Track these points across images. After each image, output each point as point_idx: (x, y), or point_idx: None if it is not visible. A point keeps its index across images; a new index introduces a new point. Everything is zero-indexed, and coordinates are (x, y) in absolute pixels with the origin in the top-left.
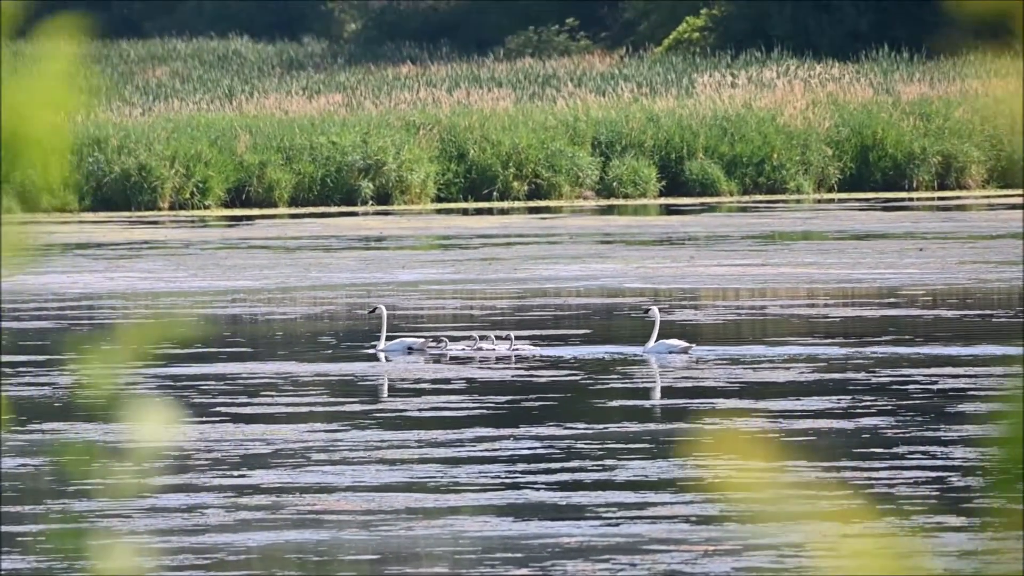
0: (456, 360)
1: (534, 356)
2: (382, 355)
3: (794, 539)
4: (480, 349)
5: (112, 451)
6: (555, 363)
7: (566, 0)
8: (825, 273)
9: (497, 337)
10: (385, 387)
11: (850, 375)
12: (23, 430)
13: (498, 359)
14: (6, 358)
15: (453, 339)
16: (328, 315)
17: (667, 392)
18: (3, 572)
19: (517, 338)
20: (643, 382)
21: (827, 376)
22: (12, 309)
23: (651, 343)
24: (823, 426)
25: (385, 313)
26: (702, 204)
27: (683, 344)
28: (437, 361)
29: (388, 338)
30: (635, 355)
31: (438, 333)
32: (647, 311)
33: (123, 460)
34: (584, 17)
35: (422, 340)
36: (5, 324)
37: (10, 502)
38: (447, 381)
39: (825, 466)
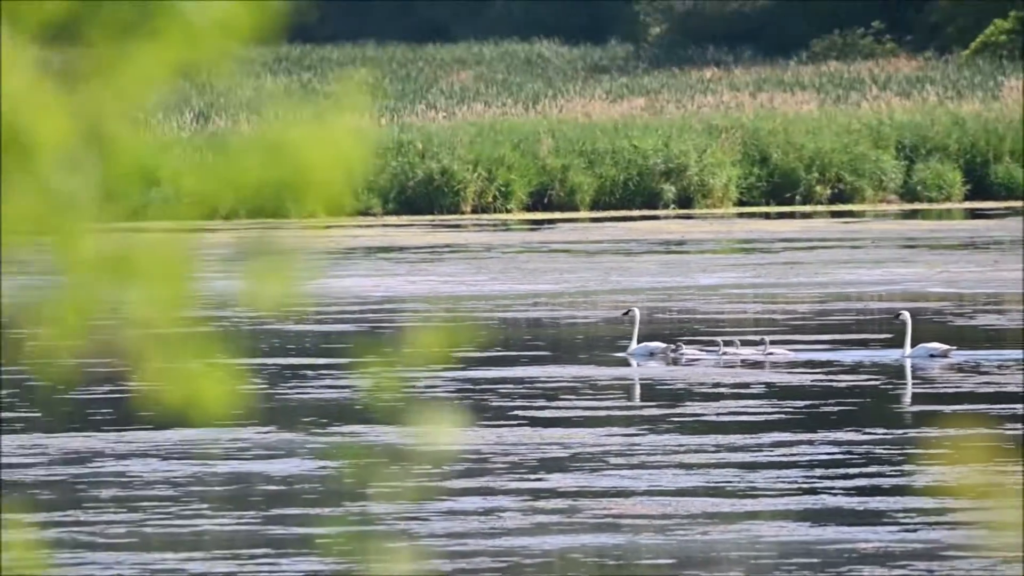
0: (747, 363)
1: (788, 361)
2: (631, 358)
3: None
4: (725, 354)
5: (409, 454)
6: (854, 368)
7: (872, 2)
8: None
9: (744, 343)
10: (683, 391)
11: None
12: (323, 433)
13: (749, 364)
14: (309, 361)
15: (728, 343)
16: (629, 319)
17: (967, 397)
18: (298, 573)
19: (772, 343)
20: (942, 387)
21: None
22: (316, 312)
23: (907, 348)
24: None
25: (638, 316)
26: (1007, 208)
27: (944, 347)
28: (674, 364)
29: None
30: (895, 360)
31: (731, 337)
32: (898, 316)
33: (420, 463)
34: (890, 20)
35: (664, 345)
36: (309, 327)
37: (309, 504)
38: (746, 385)
39: None
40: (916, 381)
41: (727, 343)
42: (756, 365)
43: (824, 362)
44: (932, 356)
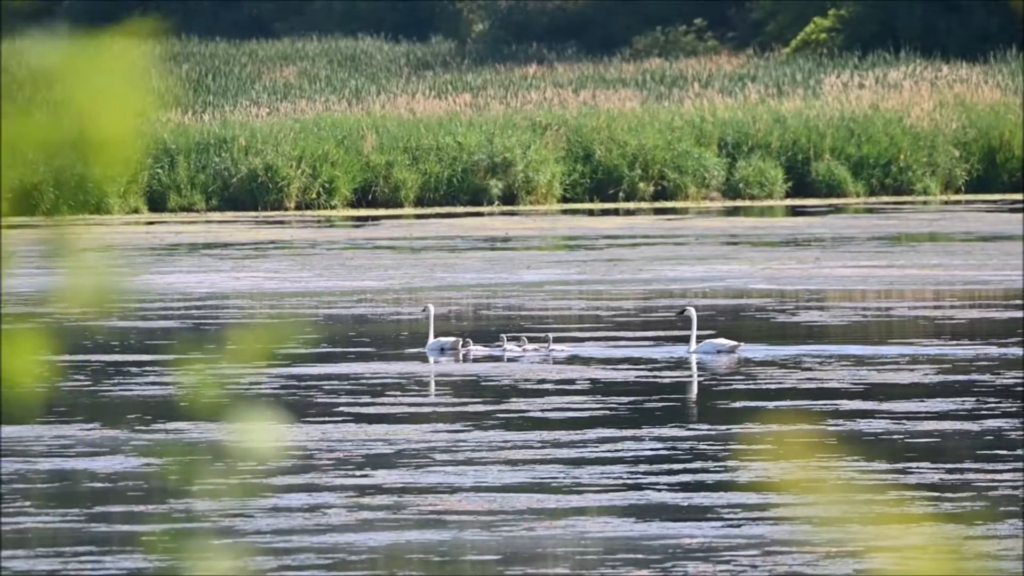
0: (532, 360)
1: (567, 357)
2: (429, 355)
3: (916, 541)
4: (506, 351)
5: (232, 451)
6: (679, 364)
7: (694, 0)
8: (951, 275)
9: (531, 339)
10: (508, 388)
11: (975, 376)
12: (147, 430)
13: (530, 361)
14: (133, 357)
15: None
16: (453, 315)
17: (789, 393)
18: (122, 571)
19: (556, 340)
20: (766, 383)
21: (952, 378)
22: (138, 308)
23: (693, 343)
24: (947, 428)
25: (432, 312)
26: (829, 205)
27: (731, 343)
28: (462, 361)
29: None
30: (681, 356)
31: (546, 334)
32: (683, 311)
33: (244, 461)
34: (712, 17)
35: (453, 339)
36: (133, 323)
37: (133, 501)
38: (571, 382)
39: (949, 468)
40: (741, 377)
41: (512, 339)
42: (542, 361)
43: (645, 359)
44: (719, 352)
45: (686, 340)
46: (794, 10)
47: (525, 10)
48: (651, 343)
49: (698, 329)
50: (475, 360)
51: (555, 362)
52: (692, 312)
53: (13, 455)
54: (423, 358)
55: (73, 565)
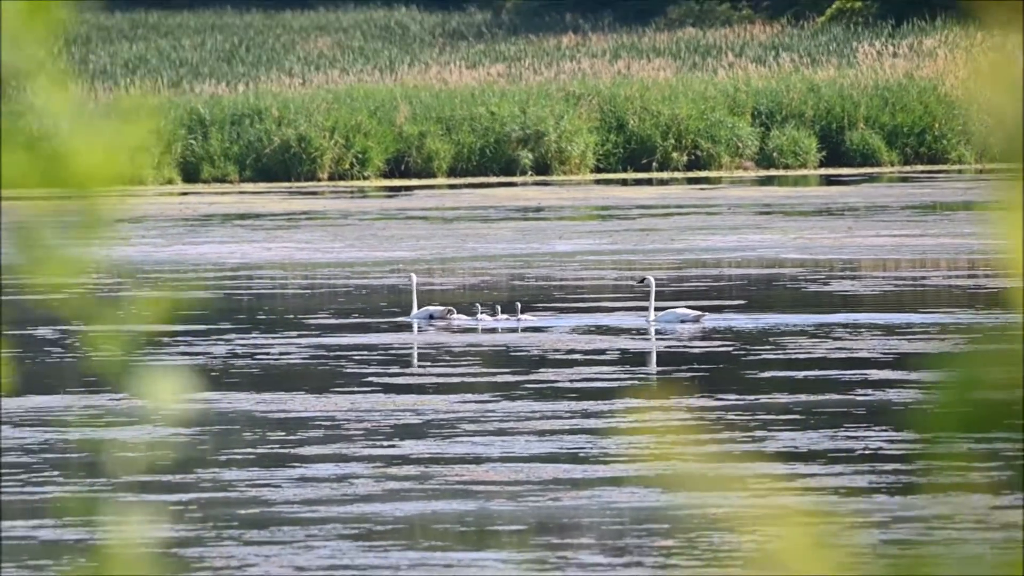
0: (505, 329)
1: (596, 327)
2: (414, 322)
3: (942, 511)
4: (479, 321)
5: (267, 421)
6: (709, 334)
7: None
8: (985, 244)
9: (503, 309)
10: (536, 358)
11: (1009, 346)
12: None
13: (503, 330)
14: (166, 327)
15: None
16: (485, 285)
17: (820, 363)
18: (151, 540)
19: (524, 310)
20: (795, 352)
21: (985, 347)
22: (172, 279)
23: (652, 312)
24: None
25: (416, 281)
26: (862, 175)
27: (694, 313)
28: (448, 331)
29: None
30: (642, 327)
31: (493, 304)
32: (642, 280)
33: (275, 430)
34: None
35: (443, 308)
36: (164, 293)
37: (162, 471)
38: (600, 352)
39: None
40: (770, 347)
41: (486, 308)
42: (511, 331)
43: (675, 329)
44: (683, 322)
45: (718, 310)
46: None
47: None
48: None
49: (734, 299)
50: (459, 330)
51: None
52: (651, 281)
53: (44, 425)
54: (451, 329)
55: (100, 535)
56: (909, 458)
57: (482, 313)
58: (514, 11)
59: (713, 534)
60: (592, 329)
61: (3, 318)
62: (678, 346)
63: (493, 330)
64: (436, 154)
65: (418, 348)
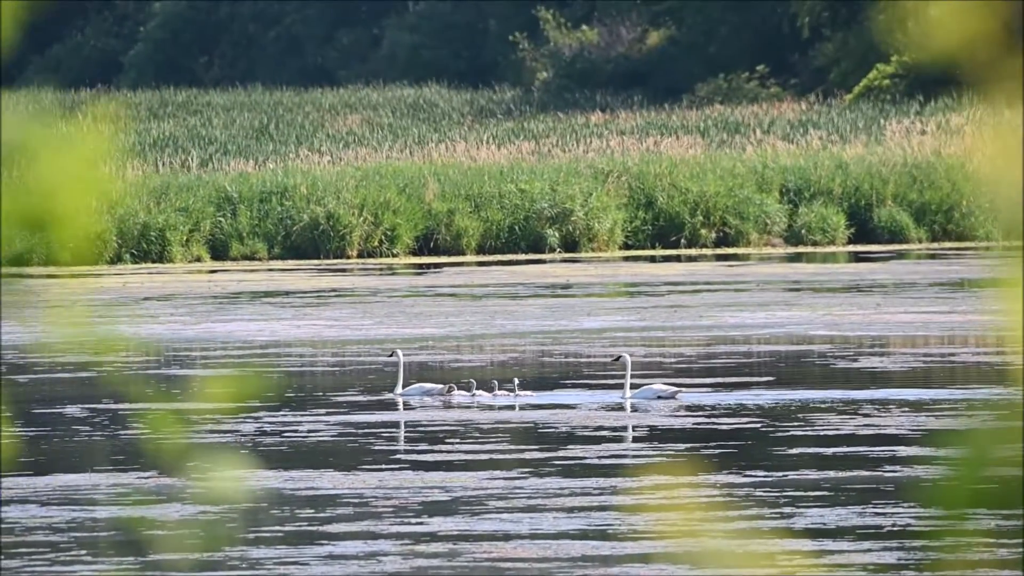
0: (502, 407)
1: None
2: (399, 399)
3: None
4: (475, 395)
5: (295, 498)
6: (736, 411)
7: (756, 47)
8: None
9: (500, 385)
10: (564, 434)
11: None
12: (204, 478)
13: (499, 407)
14: (192, 405)
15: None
16: (514, 363)
17: (848, 439)
18: None
19: (520, 386)
20: (823, 429)
21: (1014, 424)
22: (201, 356)
23: (627, 390)
24: (1008, 474)
25: (402, 358)
26: (891, 251)
27: (671, 389)
28: (447, 407)
29: (416, 383)
30: (617, 402)
31: (513, 379)
32: (618, 359)
33: (303, 507)
34: (774, 64)
35: (440, 386)
36: (193, 372)
37: (189, 549)
38: (627, 428)
39: (1006, 514)
40: (798, 423)
41: (482, 385)
42: (507, 407)
43: (704, 405)
44: (660, 398)
45: (746, 387)
46: (857, 56)
47: (589, 58)
48: (710, 389)
49: (759, 376)
50: (458, 406)
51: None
52: (627, 358)
53: (70, 503)
54: (481, 406)
55: None
56: (937, 535)
57: (477, 389)
58: (543, 89)
59: None
60: (682, 408)
61: (31, 395)
62: (706, 423)
63: (490, 407)
64: (465, 231)
65: (446, 425)
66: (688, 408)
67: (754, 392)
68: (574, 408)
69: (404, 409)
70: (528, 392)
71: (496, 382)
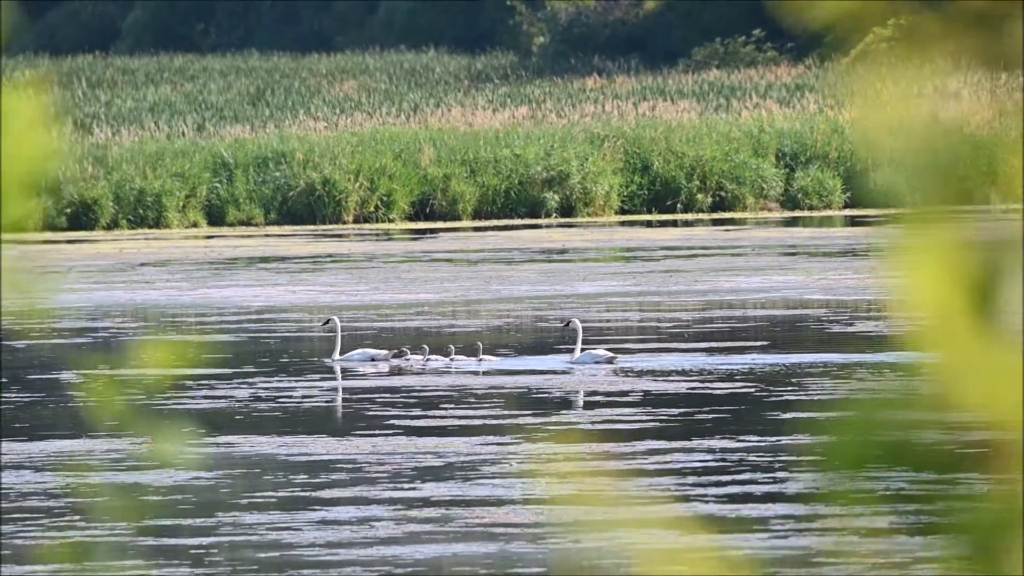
0: (461, 371)
1: (617, 370)
2: (337, 365)
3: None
4: (428, 360)
5: (289, 464)
6: (730, 375)
7: (753, 11)
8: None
9: (459, 352)
10: (559, 399)
11: None
12: (198, 443)
13: (458, 371)
14: (190, 371)
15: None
16: (509, 327)
17: (840, 404)
18: None
19: (486, 352)
20: (818, 393)
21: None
22: (197, 322)
23: (576, 354)
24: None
25: (339, 325)
26: (887, 215)
27: (608, 355)
28: (399, 373)
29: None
30: (563, 368)
31: (476, 344)
32: (568, 323)
33: (297, 473)
34: (770, 28)
35: (384, 352)
36: (189, 336)
37: (183, 515)
38: (622, 394)
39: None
40: (792, 388)
41: (443, 351)
42: (470, 373)
43: (698, 370)
44: (597, 363)
45: (741, 351)
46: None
47: (586, 23)
48: (705, 354)
49: (755, 340)
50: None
51: (610, 373)
52: (577, 324)
53: (65, 469)
54: (475, 371)
55: None
56: (930, 498)
57: (431, 354)
58: (539, 54)
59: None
60: (675, 372)
61: (25, 362)
62: (701, 387)
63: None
64: (461, 196)
65: (440, 390)
66: (682, 372)
67: (749, 356)
68: (566, 374)
69: (342, 377)
70: (490, 357)
71: (451, 346)
